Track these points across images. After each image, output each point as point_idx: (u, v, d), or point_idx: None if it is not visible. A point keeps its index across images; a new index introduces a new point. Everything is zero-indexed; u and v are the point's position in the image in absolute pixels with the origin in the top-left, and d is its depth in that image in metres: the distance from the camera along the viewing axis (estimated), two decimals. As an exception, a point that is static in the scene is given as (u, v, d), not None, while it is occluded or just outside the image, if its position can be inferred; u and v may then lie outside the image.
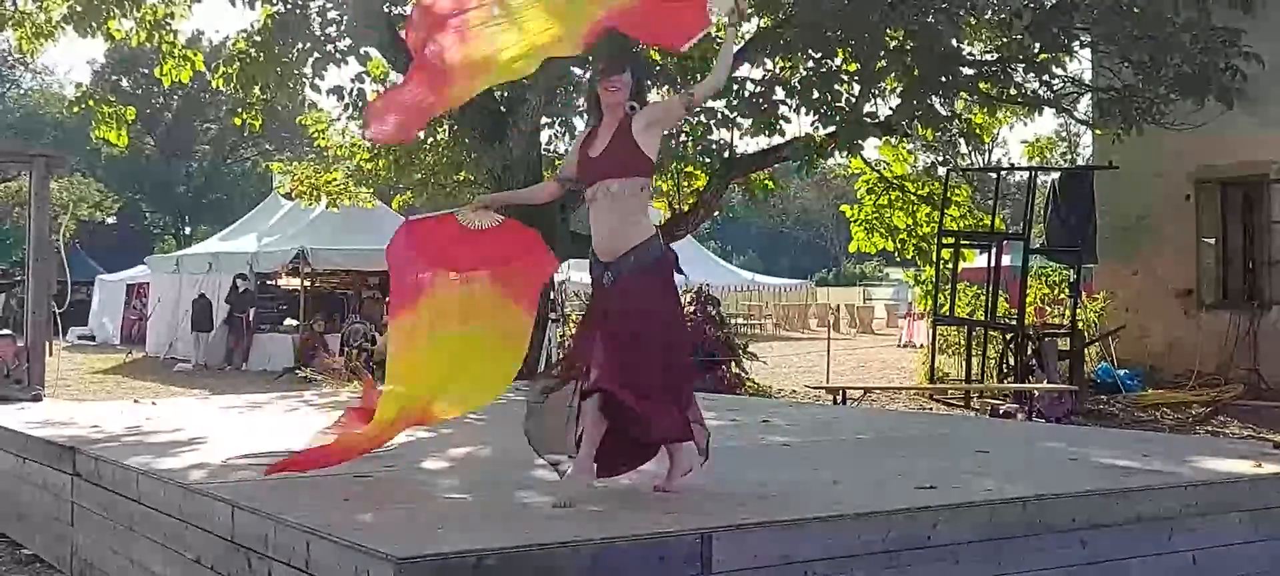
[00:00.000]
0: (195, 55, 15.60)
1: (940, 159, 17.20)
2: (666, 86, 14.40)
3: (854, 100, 13.45)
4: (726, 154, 15.49)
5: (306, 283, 23.37)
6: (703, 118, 14.92)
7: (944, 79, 12.95)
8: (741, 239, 66.35)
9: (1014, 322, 15.19)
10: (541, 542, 3.60)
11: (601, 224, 4.50)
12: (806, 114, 13.56)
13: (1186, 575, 4.64)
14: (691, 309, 16.23)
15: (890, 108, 13.98)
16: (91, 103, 15.57)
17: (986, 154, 35.01)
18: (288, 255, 22.77)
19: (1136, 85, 13.11)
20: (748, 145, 16.34)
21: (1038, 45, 12.83)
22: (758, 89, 14.12)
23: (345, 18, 13.07)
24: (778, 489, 4.80)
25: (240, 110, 14.97)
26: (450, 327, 4.81)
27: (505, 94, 13.41)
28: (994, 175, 19.27)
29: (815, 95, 13.24)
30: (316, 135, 17.55)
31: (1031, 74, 13.60)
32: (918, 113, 13.13)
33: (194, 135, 58.90)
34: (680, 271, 4.69)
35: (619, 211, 4.47)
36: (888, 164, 17.34)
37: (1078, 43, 13.37)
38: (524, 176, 13.29)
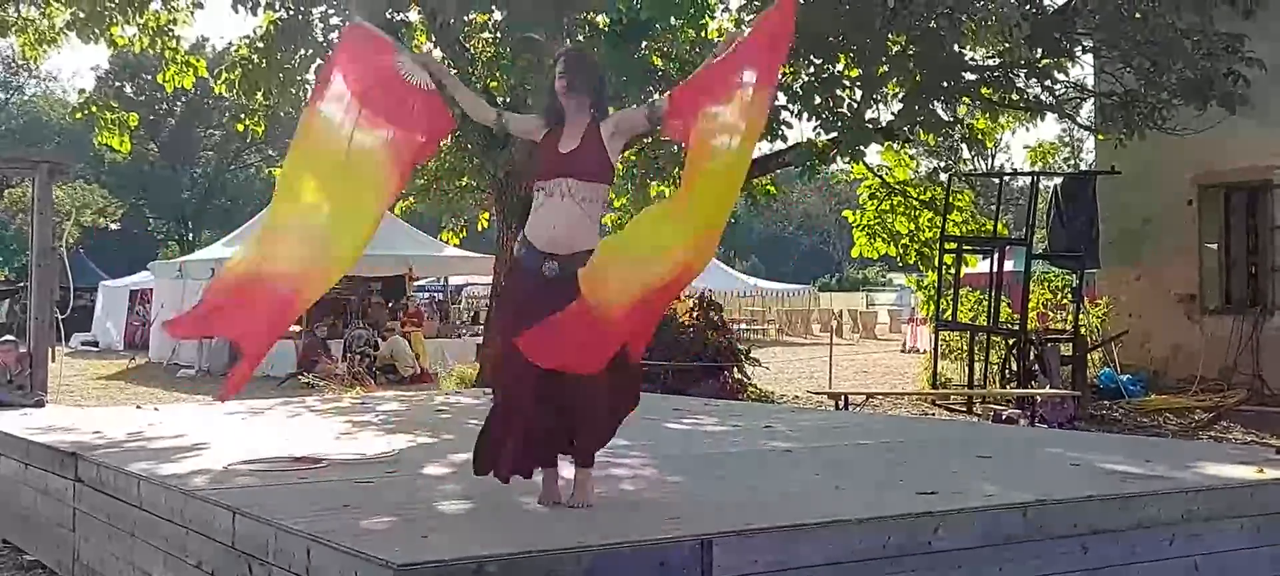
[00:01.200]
0: (198, 61, 15.66)
1: (942, 164, 17.22)
2: (669, 90, 14.43)
3: (856, 106, 13.46)
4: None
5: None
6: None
7: (946, 84, 12.96)
8: (744, 243, 66.34)
9: (1016, 328, 15.18)
10: (542, 548, 3.60)
11: (556, 217, 4.45)
12: (808, 119, 13.58)
13: (1188, 581, 4.63)
14: (693, 314, 16.24)
15: (892, 113, 14.00)
16: (94, 109, 15.61)
17: (989, 159, 35.07)
18: (290, 260, 22.74)
19: (1139, 90, 13.12)
20: (750, 150, 16.31)
21: (1040, 50, 12.83)
22: (760, 94, 14.13)
23: (347, 24, 13.10)
24: (779, 494, 4.80)
25: (243, 116, 15.01)
26: (325, 169, 4.76)
27: (506, 100, 13.44)
28: (996, 180, 19.27)
29: (817, 101, 13.25)
30: (319, 141, 17.56)
31: (1033, 79, 13.61)
32: (920, 118, 13.14)
33: (197, 141, 58.92)
34: None
35: (579, 211, 4.45)
36: (890, 169, 17.35)
37: (1080, 48, 13.37)
38: (526, 183, 13.30)
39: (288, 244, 4.73)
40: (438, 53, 14.54)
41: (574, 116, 4.59)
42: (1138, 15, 12.27)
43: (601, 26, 12.95)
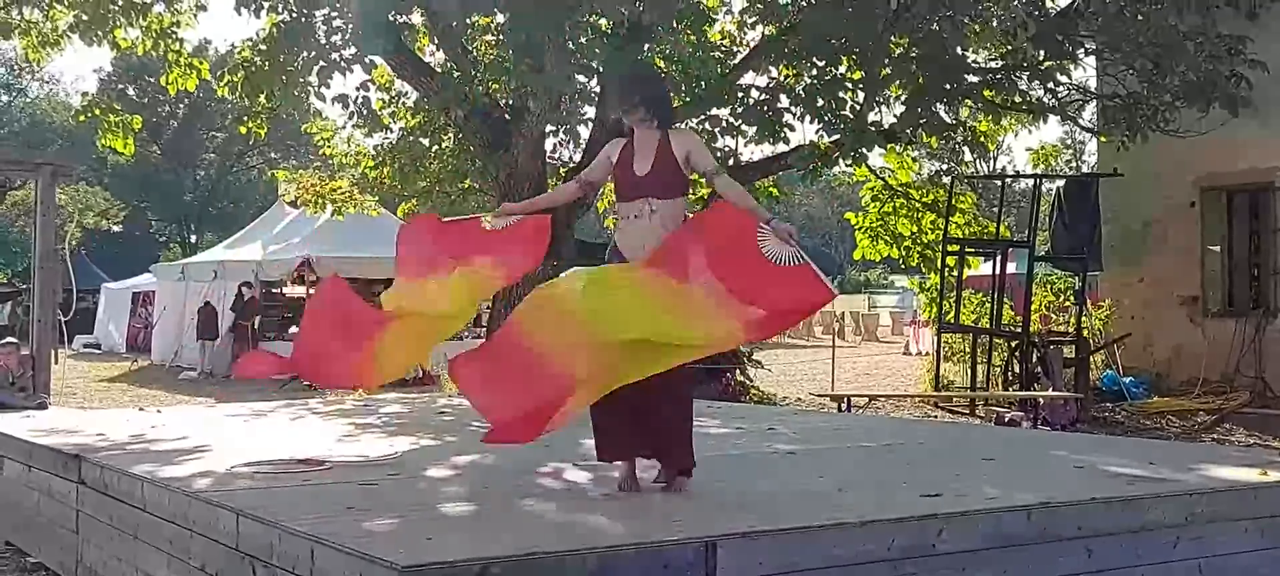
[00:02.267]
0: (201, 64, 15.63)
1: (945, 166, 17.20)
2: (671, 92, 14.43)
3: (858, 108, 13.45)
4: (731, 161, 15.50)
5: (312, 291, 23.39)
6: (707, 126, 14.95)
7: (948, 87, 12.95)
8: (746, 246, 66.18)
9: (1019, 330, 15.17)
10: (546, 550, 3.60)
11: (642, 236, 4.74)
12: (811, 122, 13.57)
13: (1192, 583, 4.62)
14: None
15: (895, 115, 13.99)
16: (97, 111, 15.60)
17: (991, 161, 35.05)
18: (293, 263, 22.80)
19: (1141, 93, 13.10)
20: (752, 153, 16.36)
21: (1042, 53, 12.82)
22: (762, 96, 14.14)
23: (350, 26, 13.10)
24: (782, 497, 4.80)
25: (246, 118, 15.00)
26: (440, 308, 5.25)
27: (509, 102, 13.44)
28: (999, 183, 19.25)
29: (820, 103, 13.25)
30: (322, 143, 17.58)
31: (1036, 81, 13.59)
32: (922, 120, 13.13)
33: (200, 143, 58.93)
34: None
35: (660, 227, 4.73)
36: (892, 171, 17.34)
37: (1082, 50, 13.36)
38: (528, 184, 13.30)
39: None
40: (440, 55, 14.55)
41: (643, 135, 4.83)
42: (1140, 17, 12.25)
43: (604, 29, 12.95)
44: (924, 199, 17.10)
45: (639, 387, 4.52)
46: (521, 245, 5.14)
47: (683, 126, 4.98)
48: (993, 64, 14.20)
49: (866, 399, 14.72)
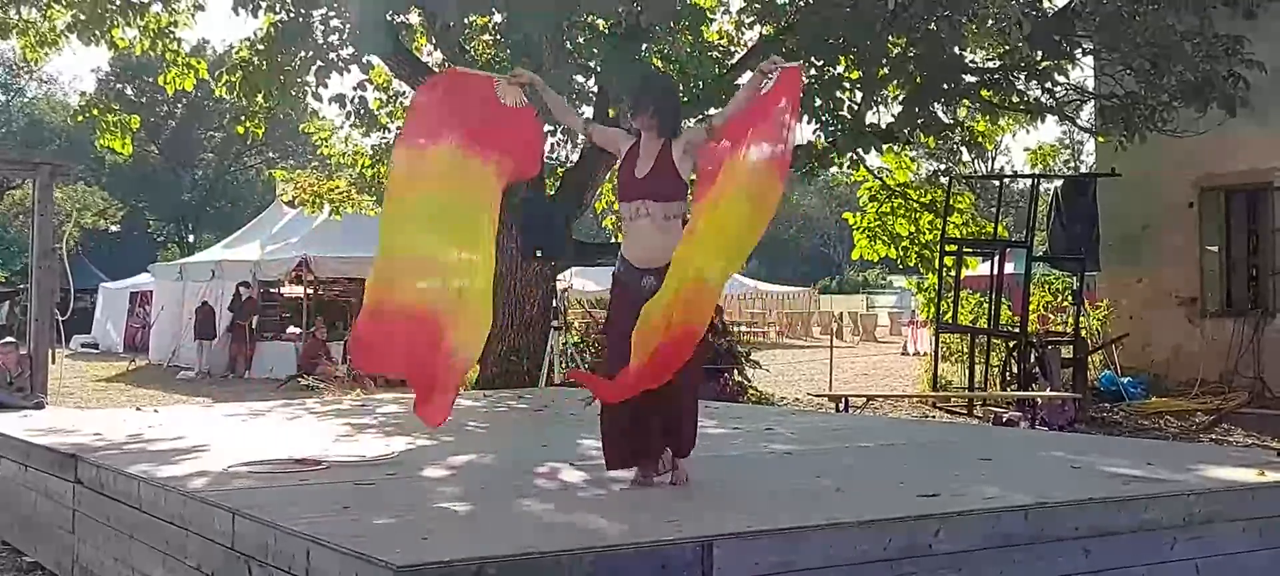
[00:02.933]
0: (199, 63, 15.62)
1: (943, 166, 17.21)
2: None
3: (856, 108, 13.45)
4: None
5: (309, 290, 23.38)
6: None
7: (946, 87, 12.95)
8: (744, 246, 66.09)
9: (1017, 330, 15.17)
10: (543, 550, 3.59)
11: (643, 237, 4.91)
12: (809, 122, 13.57)
13: (1189, 583, 4.62)
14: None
15: (892, 115, 13.99)
16: (95, 111, 15.59)
17: (989, 161, 35.06)
18: (291, 263, 22.78)
19: (1139, 93, 13.10)
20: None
21: (1040, 53, 12.83)
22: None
23: (347, 26, 13.10)
24: (780, 497, 4.79)
25: (243, 118, 15.00)
26: (435, 189, 5.11)
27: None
28: (996, 183, 19.25)
29: (817, 103, 13.24)
30: (319, 143, 17.58)
31: (1034, 82, 13.59)
32: (920, 120, 13.13)
33: (198, 143, 58.87)
34: None
35: (660, 229, 4.87)
36: (890, 171, 17.35)
37: (1080, 50, 13.36)
38: (528, 184, 13.30)
39: (407, 275, 5.06)
40: (438, 54, 14.54)
41: (648, 139, 4.99)
42: (1137, 17, 12.25)
43: (602, 29, 12.95)
44: (922, 199, 17.10)
45: (654, 389, 4.68)
46: (522, 147, 5.26)
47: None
48: (990, 64, 14.20)
49: (864, 399, 14.70)
